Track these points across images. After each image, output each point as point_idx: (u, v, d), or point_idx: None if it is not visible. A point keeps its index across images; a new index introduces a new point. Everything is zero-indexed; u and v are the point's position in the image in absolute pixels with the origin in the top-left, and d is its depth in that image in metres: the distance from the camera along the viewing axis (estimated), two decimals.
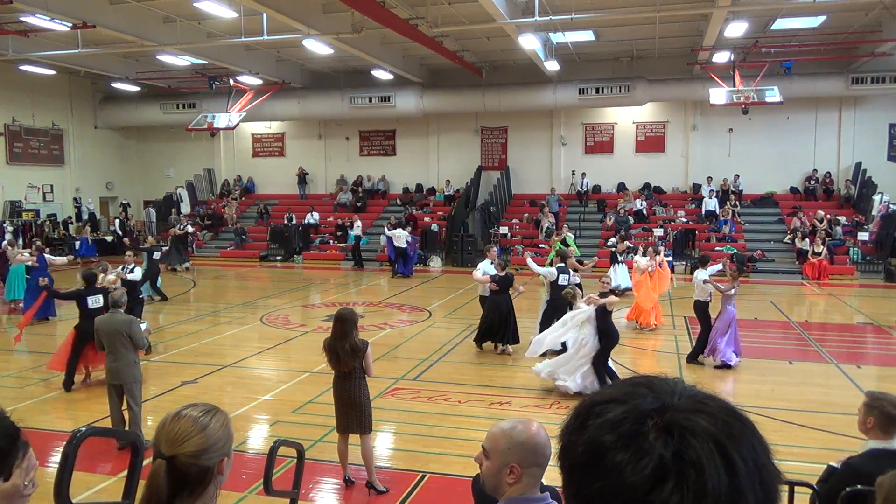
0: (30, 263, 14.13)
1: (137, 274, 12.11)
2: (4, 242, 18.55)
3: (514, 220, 24.88)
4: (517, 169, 26.45)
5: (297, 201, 27.48)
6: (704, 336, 10.36)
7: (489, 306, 10.86)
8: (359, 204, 26.64)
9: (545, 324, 10.88)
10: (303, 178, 28.03)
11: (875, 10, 16.97)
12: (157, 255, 15.95)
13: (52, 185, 26.30)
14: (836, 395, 8.84)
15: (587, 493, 0.84)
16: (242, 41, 18.37)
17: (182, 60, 21.27)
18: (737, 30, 17.16)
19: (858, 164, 23.00)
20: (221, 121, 22.12)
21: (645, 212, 23.85)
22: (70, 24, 16.30)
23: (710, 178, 24.00)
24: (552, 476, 1.54)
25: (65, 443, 2.35)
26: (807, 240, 20.58)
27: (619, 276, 15.93)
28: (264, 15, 16.22)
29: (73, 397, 8.93)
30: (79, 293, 9.56)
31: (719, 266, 11.99)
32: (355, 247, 22.89)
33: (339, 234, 24.85)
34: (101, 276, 10.75)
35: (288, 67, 24.35)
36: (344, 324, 6.04)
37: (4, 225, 22.85)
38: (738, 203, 23.63)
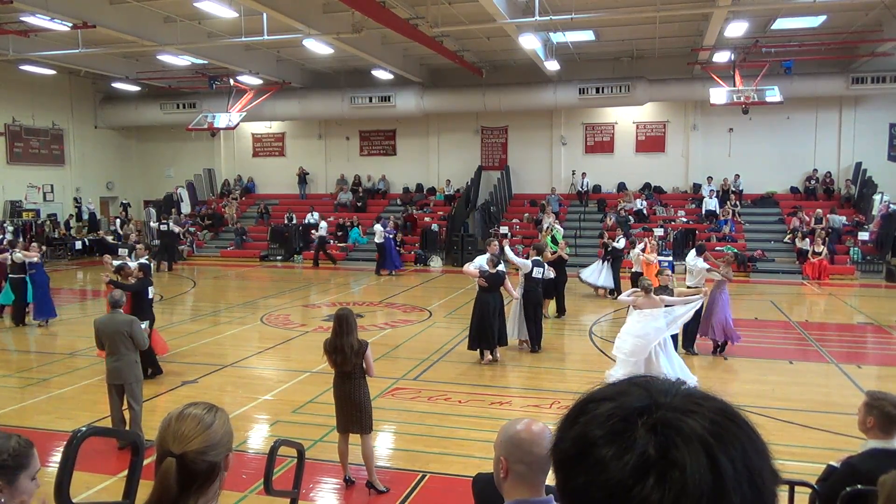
0: (35, 259, 13.89)
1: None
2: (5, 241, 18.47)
3: (514, 220, 24.87)
4: (517, 169, 26.45)
5: (297, 201, 27.48)
6: (696, 321, 10.36)
7: (476, 304, 10.45)
8: (359, 204, 26.64)
9: (530, 320, 10.90)
10: (303, 178, 28.04)
11: (875, 9, 16.98)
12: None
13: (52, 185, 26.30)
14: (836, 395, 8.84)
15: (572, 486, 0.85)
16: (242, 41, 18.37)
17: (182, 60, 21.27)
18: (737, 29, 17.15)
19: (859, 164, 22.99)
20: (221, 121, 22.13)
21: (645, 212, 23.85)
22: (70, 24, 16.30)
23: (710, 178, 24.00)
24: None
25: (65, 443, 2.35)
26: (807, 239, 20.58)
27: (602, 276, 16.10)
28: (264, 15, 16.22)
29: (73, 397, 8.94)
30: (143, 284, 9.81)
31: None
32: (319, 247, 23.04)
33: (339, 233, 24.86)
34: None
35: (288, 67, 24.35)
36: (345, 323, 6.05)
37: (5, 225, 22.86)
38: (738, 203, 23.63)
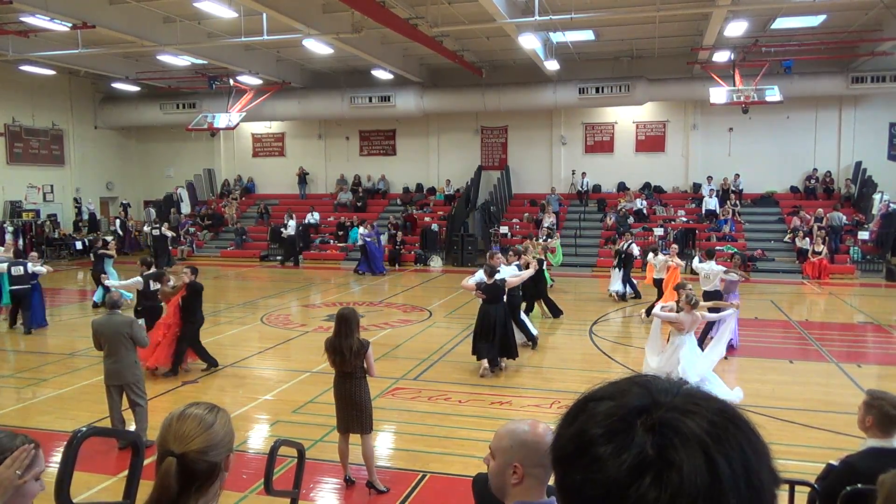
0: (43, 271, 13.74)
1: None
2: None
3: (514, 220, 24.87)
4: (517, 169, 26.45)
5: (297, 201, 27.48)
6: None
7: (478, 315, 10.02)
8: (359, 204, 26.65)
9: (517, 323, 10.77)
10: (303, 178, 28.05)
11: (875, 9, 16.96)
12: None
13: (52, 186, 26.30)
14: (836, 395, 8.84)
15: (570, 483, 0.85)
16: (242, 41, 18.36)
17: (182, 60, 21.27)
18: (737, 29, 17.15)
19: (859, 164, 22.99)
20: (221, 121, 22.13)
21: (645, 211, 23.86)
22: (70, 25, 16.30)
23: (710, 178, 23.99)
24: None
25: (65, 443, 2.36)
26: (807, 239, 20.58)
27: (616, 280, 15.91)
28: (264, 15, 16.22)
29: (73, 397, 8.94)
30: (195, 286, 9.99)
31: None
32: (289, 244, 23.37)
33: (340, 233, 24.85)
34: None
35: (288, 67, 24.35)
36: (347, 323, 6.05)
37: (5, 225, 22.86)
38: (738, 202, 23.63)
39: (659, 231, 22.06)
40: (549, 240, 19.38)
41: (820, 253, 19.95)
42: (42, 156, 26.01)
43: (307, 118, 27.36)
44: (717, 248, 20.51)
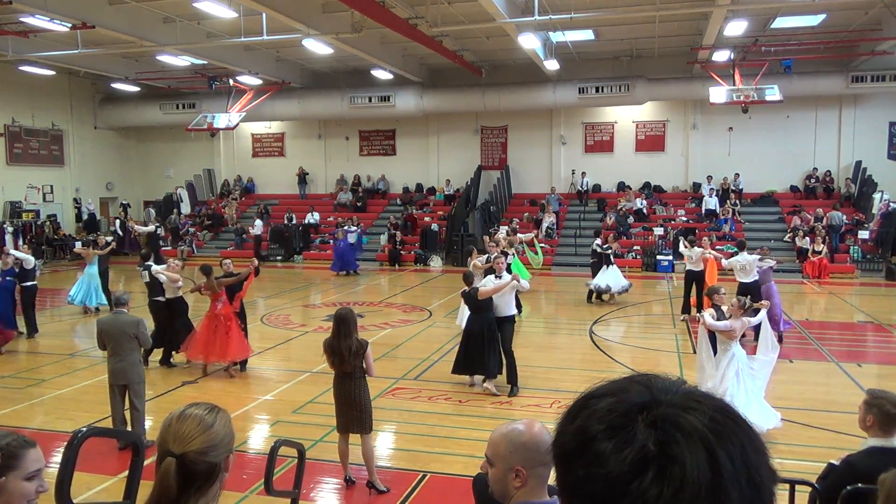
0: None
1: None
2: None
3: (514, 220, 24.83)
4: (517, 168, 26.44)
5: (297, 201, 27.48)
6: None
7: (464, 330, 9.10)
8: (359, 204, 26.65)
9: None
10: (303, 178, 28.04)
11: (875, 8, 16.98)
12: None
13: (52, 186, 26.30)
14: (836, 394, 8.84)
15: (572, 480, 0.86)
16: (242, 41, 18.36)
17: (182, 60, 21.27)
18: (736, 28, 17.16)
19: (859, 163, 22.99)
20: (221, 121, 22.13)
21: (645, 211, 23.86)
22: (70, 25, 16.29)
23: (710, 177, 23.99)
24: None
25: (66, 443, 2.36)
26: (807, 238, 20.58)
27: (609, 277, 15.69)
28: (264, 15, 16.22)
29: (73, 397, 8.94)
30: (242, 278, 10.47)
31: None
32: (255, 246, 23.86)
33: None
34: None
35: (288, 67, 24.35)
36: (345, 323, 6.04)
37: (5, 226, 22.86)
38: (738, 202, 23.63)
39: (659, 230, 22.05)
40: (519, 234, 17.93)
41: (820, 252, 19.95)
42: (42, 156, 26.00)
43: (307, 118, 27.35)
44: (717, 247, 20.53)
